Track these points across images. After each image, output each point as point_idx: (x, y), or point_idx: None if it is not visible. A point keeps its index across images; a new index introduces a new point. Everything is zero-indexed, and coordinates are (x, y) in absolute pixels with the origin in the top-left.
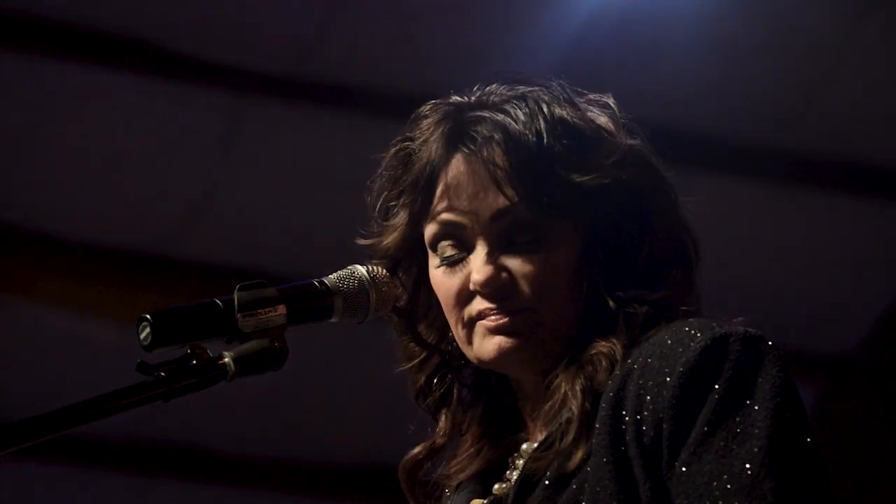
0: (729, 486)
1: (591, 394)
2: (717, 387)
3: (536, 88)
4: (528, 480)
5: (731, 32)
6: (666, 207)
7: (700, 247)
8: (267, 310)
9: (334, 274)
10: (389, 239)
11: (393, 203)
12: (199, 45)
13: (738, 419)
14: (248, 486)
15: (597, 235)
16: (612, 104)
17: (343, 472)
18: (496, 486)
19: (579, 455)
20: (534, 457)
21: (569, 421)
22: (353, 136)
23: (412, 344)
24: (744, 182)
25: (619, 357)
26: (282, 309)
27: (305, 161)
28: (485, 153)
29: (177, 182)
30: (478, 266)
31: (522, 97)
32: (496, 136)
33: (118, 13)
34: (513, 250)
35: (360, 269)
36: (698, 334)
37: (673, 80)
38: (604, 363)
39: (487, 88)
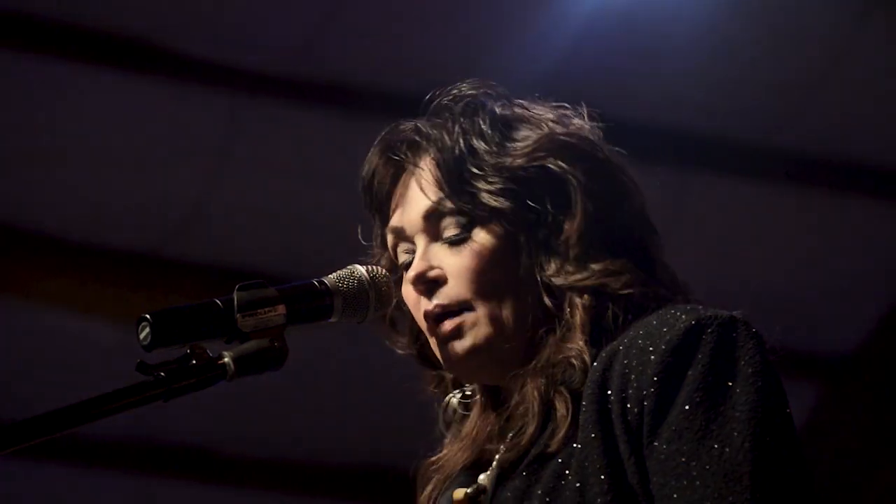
0: (707, 468)
1: (556, 392)
2: (698, 366)
3: (471, 98)
4: (507, 466)
5: (731, 32)
6: (598, 197)
7: (653, 236)
8: (266, 310)
9: (334, 274)
10: (382, 262)
11: (376, 229)
12: (199, 45)
13: (719, 400)
14: (248, 486)
15: (522, 227)
16: (556, 115)
17: (342, 472)
18: (481, 476)
19: (560, 435)
20: (507, 447)
21: (530, 417)
22: (353, 136)
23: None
24: (744, 182)
25: (587, 359)
26: (281, 309)
27: (305, 161)
28: (415, 160)
29: (177, 182)
30: (414, 264)
31: (450, 108)
32: (423, 144)
33: (119, 13)
34: (444, 246)
35: (360, 269)
36: (683, 316)
37: (672, 80)
38: (574, 366)
39: (433, 102)
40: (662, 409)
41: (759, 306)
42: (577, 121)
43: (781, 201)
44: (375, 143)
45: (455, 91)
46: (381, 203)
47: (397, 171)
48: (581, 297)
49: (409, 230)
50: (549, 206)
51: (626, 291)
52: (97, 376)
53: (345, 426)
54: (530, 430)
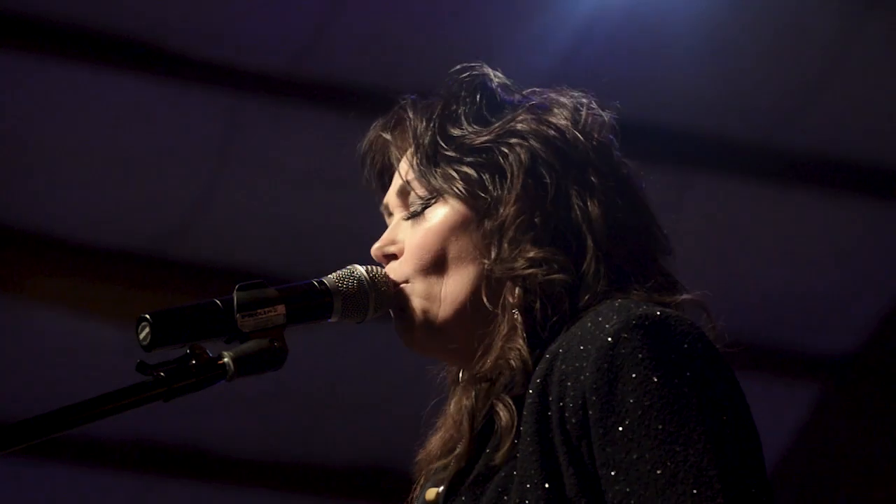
0: (676, 474)
1: (498, 400)
2: (640, 368)
3: (466, 81)
4: (453, 480)
5: (731, 32)
6: (539, 184)
7: (612, 230)
8: (266, 310)
9: (334, 274)
10: None
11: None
12: (199, 45)
13: (670, 400)
14: (248, 486)
15: (475, 208)
16: (560, 99)
17: (343, 472)
18: (431, 492)
19: (504, 449)
20: (450, 460)
21: (462, 434)
22: (353, 136)
23: None
24: (744, 182)
25: (528, 361)
26: (281, 309)
27: (305, 161)
28: (401, 138)
29: (177, 182)
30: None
31: (445, 87)
32: (406, 123)
33: (118, 13)
34: (408, 221)
35: (360, 270)
36: (614, 317)
37: (673, 80)
38: (514, 368)
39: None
40: (612, 416)
41: (760, 306)
42: (566, 113)
43: (781, 201)
44: (381, 117)
45: (458, 72)
46: (379, 176)
47: (382, 151)
48: (514, 288)
49: (391, 206)
50: (497, 188)
51: (546, 279)
52: (97, 376)
53: (345, 426)
54: (463, 446)
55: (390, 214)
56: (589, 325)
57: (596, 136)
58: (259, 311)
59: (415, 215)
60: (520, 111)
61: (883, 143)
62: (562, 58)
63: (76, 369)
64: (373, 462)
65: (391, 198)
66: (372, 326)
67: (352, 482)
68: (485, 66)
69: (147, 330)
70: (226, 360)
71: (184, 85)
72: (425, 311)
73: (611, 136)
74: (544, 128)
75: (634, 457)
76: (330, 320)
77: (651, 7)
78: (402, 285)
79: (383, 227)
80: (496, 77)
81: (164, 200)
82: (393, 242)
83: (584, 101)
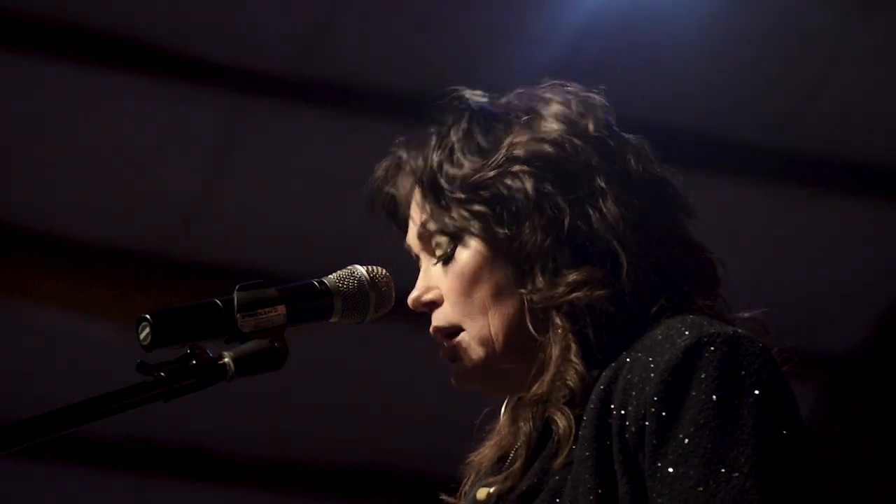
0: (716, 494)
1: (558, 410)
2: (702, 386)
3: (453, 110)
4: (504, 492)
5: (731, 32)
6: (555, 206)
7: (636, 236)
8: (266, 310)
9: (334, 274)
10: None
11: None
12: (199, 45)
13: (725, 421)
14: (248, 486)
15: (496, 243)
16: (563, 105)
17: (341, 471)
18: (482, 492)
19: (562, 456)
20: (501, 478)
21: (520, 454)
22: (353, 136)
23: None
24: (744, 182)
25: (588, 381)
26: (281, 309)
27: (305, 161)
28: (403, 184)
29: (177, 182)
30: (416, 285)
31: (435, 120)
32: (405, 168)
33: (118, 13)
34: (438, 266)
35: (360, 270)
36: (686, 332)
37: (673, 80)
38: (572, 389)
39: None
40: (666, 431)
41: (759, 306)
42: (557, 110)
43: (781, 201)
44: (376, 167)
45: (442, 101)
46: (391, 218)
47: (399, 194)
48: (559, 314)
49: (414, 249)
50: (513, 221)
51: (592, 299)
52: (97, 376)
53: (344, 426)
54: (520, 466)
55: (417, 256)
56: (660, 337)
57: (591, 129)
58: (259, 311)
59: (442, 260)
60: (512, 131)
61: (883, 143)
62: (562, 57)
63: (76, 369)
64: (371, 462)
65: (412, 241)
66: (373, 327)
67: (351, 482)
68: (462, 88)
69: (147, 330)
70: (226, 360)
71: (184, 85)
72: (483, 357)
73: (606, 118)
74: (541, 145)
75: (680, 472)
76: (330, 321)
77: (650, 7)
78: (455, 339)
79: (384, 227)
80: (476, 95)
81: (164, 200)
82: (428, 290)
83: (570, 90)
